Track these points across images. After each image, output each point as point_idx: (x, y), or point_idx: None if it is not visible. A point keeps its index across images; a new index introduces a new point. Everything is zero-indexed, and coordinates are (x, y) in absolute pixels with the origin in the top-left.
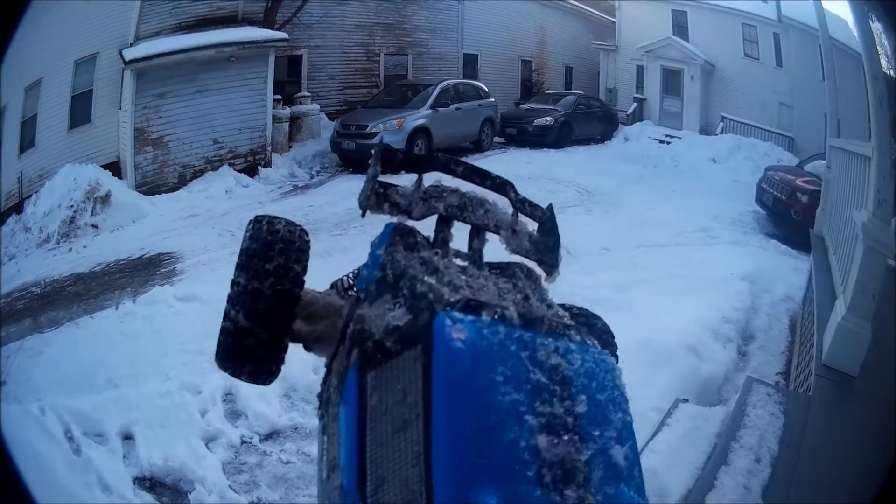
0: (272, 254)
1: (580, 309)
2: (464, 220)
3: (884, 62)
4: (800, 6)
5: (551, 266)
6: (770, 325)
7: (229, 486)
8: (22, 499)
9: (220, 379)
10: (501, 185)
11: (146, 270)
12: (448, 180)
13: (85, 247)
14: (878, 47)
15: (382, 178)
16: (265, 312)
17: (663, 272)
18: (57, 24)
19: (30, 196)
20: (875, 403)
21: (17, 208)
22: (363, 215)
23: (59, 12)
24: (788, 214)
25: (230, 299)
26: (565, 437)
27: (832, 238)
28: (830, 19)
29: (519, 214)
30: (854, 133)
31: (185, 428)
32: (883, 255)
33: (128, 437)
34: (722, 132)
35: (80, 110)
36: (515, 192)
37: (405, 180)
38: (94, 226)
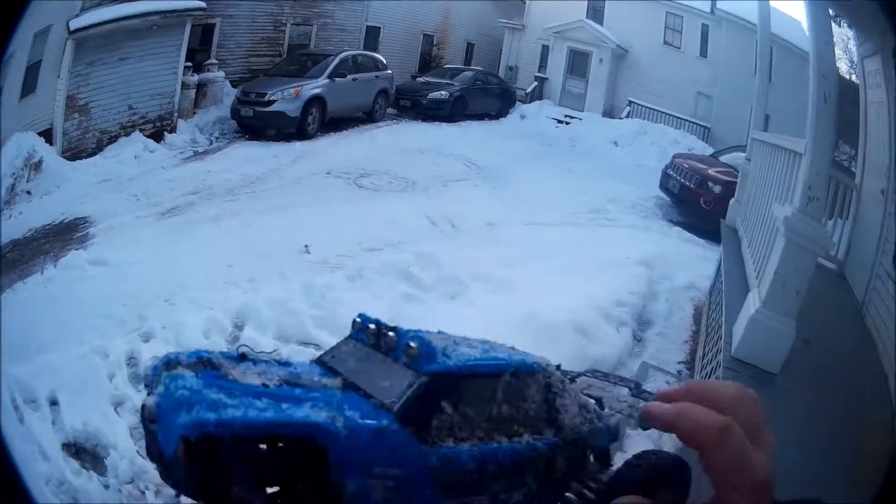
0: None
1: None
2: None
3: (843, 66)
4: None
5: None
6: (671, 313)
7: (137, 451)
8: (22, 499)
9: (124, 343)
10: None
11: (65, 235)
12: None
13: (21, 213)
14: (831, 48)
15: None
16: None
17: (552, 251)
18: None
19: None
20: (800, 404)
21: None
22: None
23: None
24: (697, 203)
25: None
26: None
27: (747, 230)
28: (774, 15)
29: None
30: (782, 128)
31: (98, 393)
32: (811, 252)
33: (54, 403)
34: (628, 116)
35: (30, 80)
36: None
37: None
38: (28, 192)
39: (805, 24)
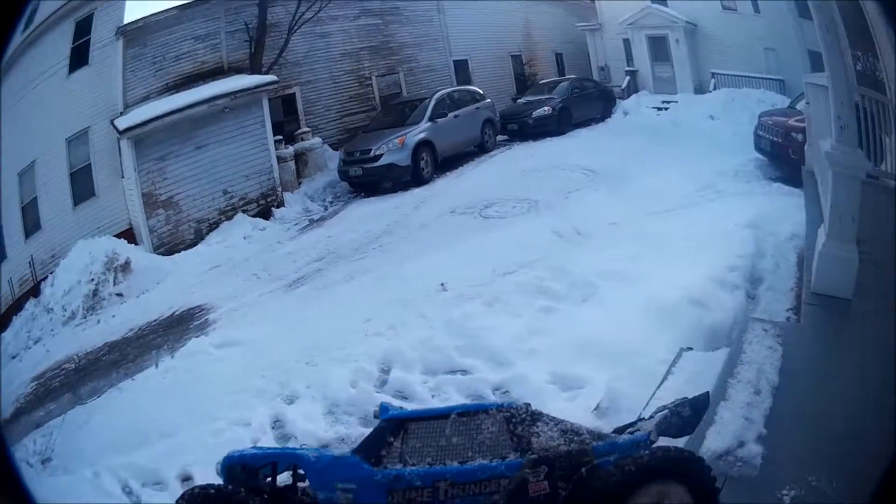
0: None
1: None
2: None
3: None
4: None
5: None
6: (777, 266)
7: None
8: (22, 499)
9: (268, 409)
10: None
11: (179, 326)
12: None
13: (113, 316)
14: None
15: None
16: None
17: (671, 235)
18: (38, 107)
19: (45, 278)
20: (875, 322)
21: (34, 292)
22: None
23: (38, 95)
24: (787, 156)
25: None
26: None
27: (818, 170)
28: None
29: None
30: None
31: None
32: (855, 178)
33: (187, 479)
34: (715, 88)
35: (82, 185)
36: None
37: None
38: (119, 294)
39: None
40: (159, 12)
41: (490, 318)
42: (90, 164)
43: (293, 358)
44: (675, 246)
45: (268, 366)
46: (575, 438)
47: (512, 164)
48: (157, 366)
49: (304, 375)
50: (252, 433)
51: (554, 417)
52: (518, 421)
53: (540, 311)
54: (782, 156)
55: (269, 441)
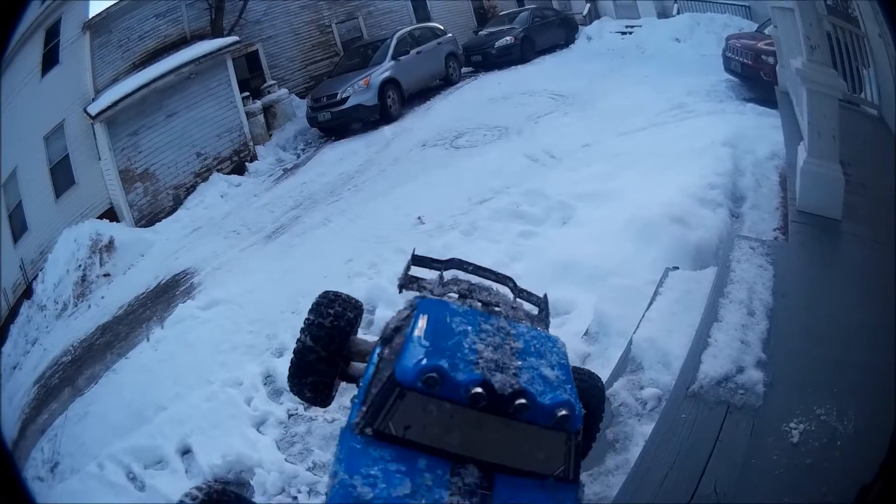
0: (334, 305)
1: (579, 370)
2: (473, 298)
3: None
4: None
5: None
6: (759, 184)
7: (285, 459)
8: (22, 499)
9: (257, 366)
10: (503, 279)
11: (166, 294)
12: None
13: (103, 297)
14: None
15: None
16: (324, 337)
17: (645, 153)
18: (15, 119)
19: (35, 277)
20: (865, 245)
21: (27, 294)
22: (400, 292)
23: (14, 109)
24: (758, 77)
25: (302, 330)
26: (502, 352)
27: (793, 91)
28: None
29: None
30: None
31: (235, 421)
32: (830, 96)
33: (186, 452)
34: (678, 13)
35: (62, 177)
36: (515, 284)
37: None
38: (107, 275)
39: None
40: (120, 0)
41: (469, 247)
42: (67, 154)
43: (279, 309)
44: (652, 164)
45: (254, 319)
46: None
47: (479, 93)
48: (148, 339)
49: (290, 325)
50: (245, 392)
51: None
52: None
53: (519, 236)
54: (753, 77)
55: (262, 398)
